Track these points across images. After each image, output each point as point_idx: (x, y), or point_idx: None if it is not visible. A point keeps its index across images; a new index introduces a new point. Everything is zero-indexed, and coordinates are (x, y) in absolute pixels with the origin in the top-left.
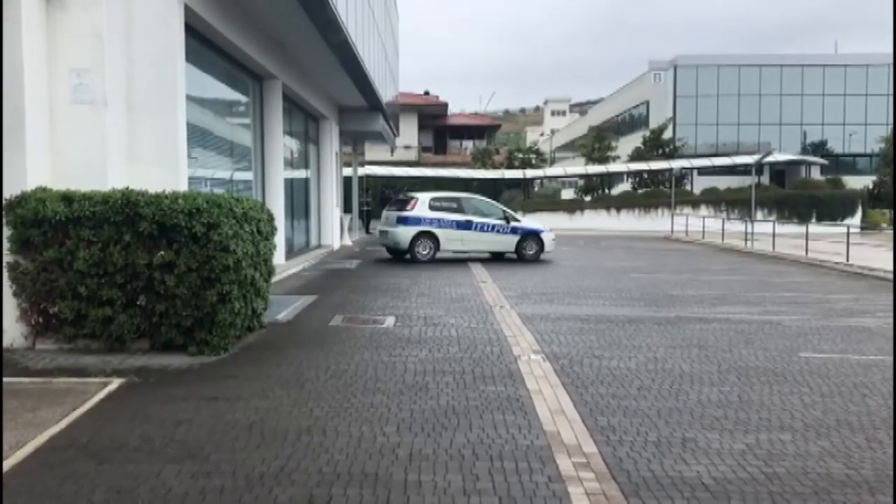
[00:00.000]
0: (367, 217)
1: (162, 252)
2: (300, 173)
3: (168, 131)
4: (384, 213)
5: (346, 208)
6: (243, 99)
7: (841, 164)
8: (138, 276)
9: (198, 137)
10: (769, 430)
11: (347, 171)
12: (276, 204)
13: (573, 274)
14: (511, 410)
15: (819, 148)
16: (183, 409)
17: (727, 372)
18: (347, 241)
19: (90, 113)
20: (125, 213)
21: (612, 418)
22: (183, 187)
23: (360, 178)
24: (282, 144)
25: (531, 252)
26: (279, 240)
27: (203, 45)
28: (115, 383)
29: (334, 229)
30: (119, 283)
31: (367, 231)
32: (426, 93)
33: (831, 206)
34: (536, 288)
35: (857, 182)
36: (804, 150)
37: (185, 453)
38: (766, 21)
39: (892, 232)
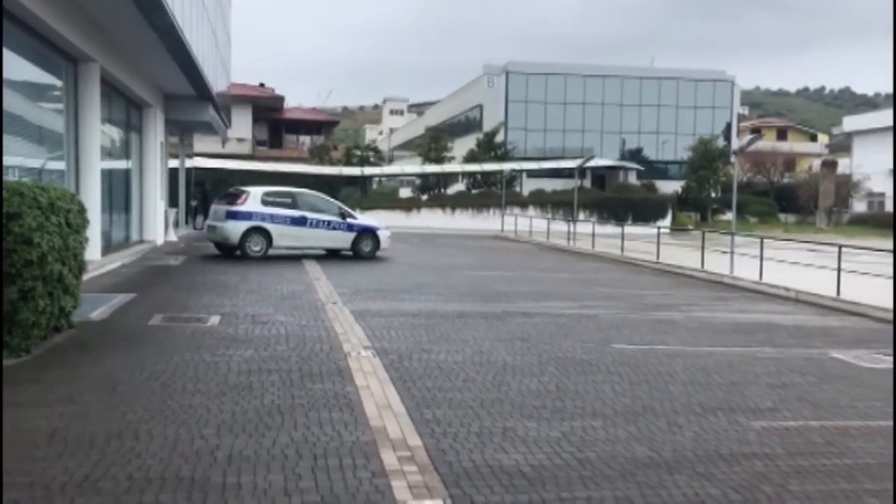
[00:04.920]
0: (195, 212)
1: None
2: (120, 164)
3: None
4: (212, 207)
5: (172, 202)
6: (56, 82)
7: (654, 169)
8: None
9: None
10: (583, 417)
11: (174, 163)
12: (92, 195)
13: (407, 271)
14: (338, 407)
15: (635, 154)
16: None
17: (547, 363)
18: (172, 237)
19: None
20: None
21: (438, 411)
22: None
23: (188, 170)
24: (99, 132)
25: (367, 249)
26: (94, 234)
27: (6, 19)
28: None
29: (158, 224)
30: None
31: (195, 226)
32: (261, 85)
33: (645, 208)
34: (370, 285)
35: (668, 187)
36: (622, 157)
37: None
38: (592, 34)
39: (699, 233)
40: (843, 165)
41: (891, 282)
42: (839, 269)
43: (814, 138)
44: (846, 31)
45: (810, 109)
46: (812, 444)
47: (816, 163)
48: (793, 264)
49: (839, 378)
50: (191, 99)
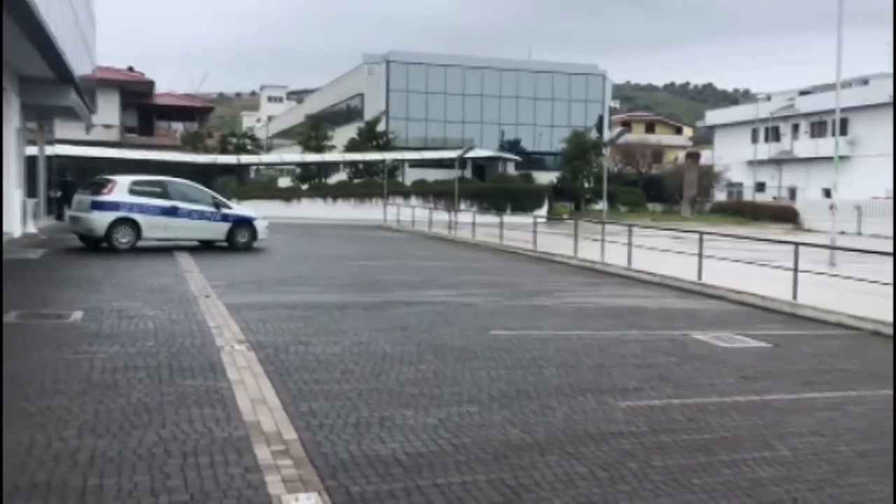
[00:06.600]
0: (58, 202)
1: None
2: None
3: None
4: (76, 197)
5: (32, 192)
6: None
7: (531, 160)
8: None
9: None
10: (459, 403)
11: (33, 150)
12: None
13: (285, 262)
14: (210, 403)
15: (514, 146)
16: None
17: (426, 351)
18: (32, 229)
19: None
20: None
21: (314, 403)
22: None
23: (49, 158)
24: None
25: (243, 240)
26: None
27: None
28: None
29: (14, 215)
30: None
31: (59, 217)
32: (130, 69)
33: (523, 198)
34: (246, 276)
35: (545, 178)
36: (501, 147)
37: None
38: (469, 24)
39: (572, 222)
40: (706, 157)
41: (740, 267)
42: (700, 255)
43: (679, 131)
44: (710, 30)
45: (676, 104)
46: (674, 421)
47: (682, 154)
48: (660, 251)
49: (699, 358)
50: (50, 82)
